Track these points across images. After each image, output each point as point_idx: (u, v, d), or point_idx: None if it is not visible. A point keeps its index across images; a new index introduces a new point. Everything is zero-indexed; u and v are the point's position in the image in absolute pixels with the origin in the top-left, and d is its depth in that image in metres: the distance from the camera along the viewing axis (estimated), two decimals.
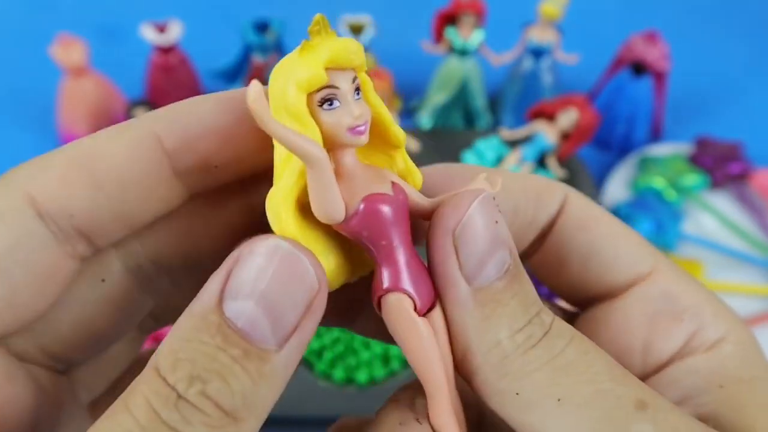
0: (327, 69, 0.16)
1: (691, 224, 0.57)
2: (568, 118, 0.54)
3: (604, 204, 0.58)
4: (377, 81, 0.53)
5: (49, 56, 0.56)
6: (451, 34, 0.59)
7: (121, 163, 0.17)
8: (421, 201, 0.17)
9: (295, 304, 0.15)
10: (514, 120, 0.66)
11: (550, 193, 0.19)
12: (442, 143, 0.60)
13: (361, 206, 0.16)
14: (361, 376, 0.43)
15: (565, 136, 0.56)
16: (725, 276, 0.53)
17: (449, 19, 0.59)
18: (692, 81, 0.74)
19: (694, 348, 0.17)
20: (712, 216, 0.58)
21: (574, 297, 0.20)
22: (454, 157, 0.59)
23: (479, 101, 0.63)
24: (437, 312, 0.17)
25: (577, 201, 0.19)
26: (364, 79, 0.17)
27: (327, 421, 0.43)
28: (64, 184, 0.16)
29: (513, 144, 0.59)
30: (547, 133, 0.56)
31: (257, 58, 0.58)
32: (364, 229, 0.16)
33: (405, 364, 0.45)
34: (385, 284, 0.16)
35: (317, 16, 0.16)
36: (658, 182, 0.58)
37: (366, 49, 0.61)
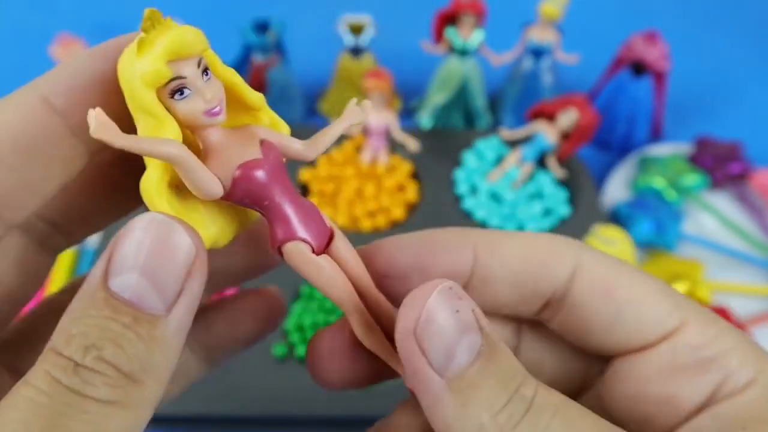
0: (170, 61, 0.16)
1: (691, 224, 0.57)
2: (568, 118, 0.54)
3: (605, 204, 0.58)
4: (378, 81, 0.53)
5: (49, 56, 0.56)
6: (451, 34, 0.59)
7: (14, 132, 0.17)
8: (292, 144, 0.18)
9: (176, 270, 0.16)
10: (514, 120, 0.66)
11: (558, 259, 0.18)
12: (442, 143, 0.60)
13: (237, 176, 0.17)
14: None
15: (566, 136, 0.56)
16: (725, 276, 0.53)
17: (449, 19, 0.59)
18: (692, 81, 0.74)
19: (722, 396, 0.17)
20: (712, 216, 0.58)
21: (598, 353, 0.19)
22: (454, 157, 0.59)
23: (479, 101, 0.63)
24: (338, 242, 0.18)
25: (592, 265, 0.18)
26: (210, 56, 0.17)
27: (328, 421, 0.43)
28: None
29: (513, 144, 0.59)
30: (547, 133, 0.56)
31: (258, 58, 0.58)
32: (245, 196, 0.17)
33: None
34: (279, 236, 0.18)
35: (147, 11, 0.16)
36: (658, 182, 0.58)
37: (366, 49, 0.61)
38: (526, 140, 0.58)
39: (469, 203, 0.55)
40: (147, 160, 0.17)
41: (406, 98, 0.69)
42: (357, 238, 0.53)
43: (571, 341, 0.19)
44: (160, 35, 0.16)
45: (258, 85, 0.59)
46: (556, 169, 0.57)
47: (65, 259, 0.51)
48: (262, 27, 0.57)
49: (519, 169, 0.57)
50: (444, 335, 0.16)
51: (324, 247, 0.18)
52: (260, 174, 0.17)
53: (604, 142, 0.66)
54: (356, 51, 0.61)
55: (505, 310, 0.19)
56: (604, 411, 0.18)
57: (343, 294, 0.18)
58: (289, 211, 0.18)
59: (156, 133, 0.16)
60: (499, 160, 0.59)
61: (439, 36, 0.60)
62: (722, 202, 0.59)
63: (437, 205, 0.55)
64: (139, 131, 0.17)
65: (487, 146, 0.59)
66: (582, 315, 0.18)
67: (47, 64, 0.57)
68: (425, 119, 0.64)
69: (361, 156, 0.57)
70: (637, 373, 0.18)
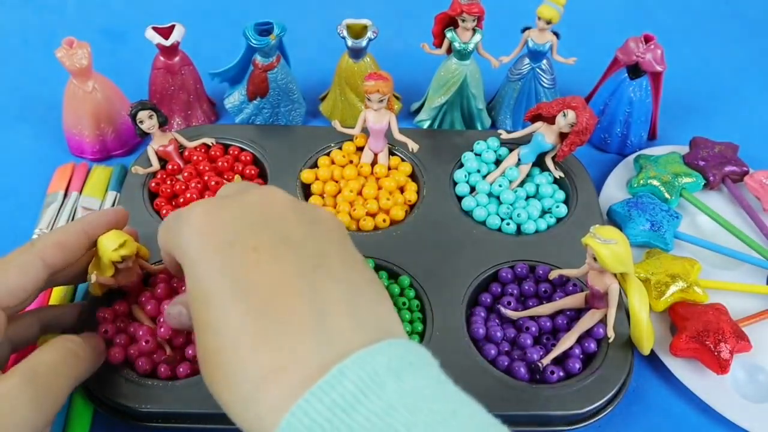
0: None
1: (687, 224, 0.58)
2: (566, 119, 0.55)
3: (602, 204, 0.58)
4: (378, 82, 0.54)
5: (56, 59, 0.57)
6: (450, 36, 0.60)
7: (16, 283, 0.37)
8: None
9: None
10: (513, 121, 0.66)
11: None
12: (441, 144, 0.61)
13: None
14: None
15: (563, 138, 0.57)
16: (721, 275, 0.54)
17: (449, 21, 0.60)
18: (688, 84, 0.75)
19: None
20: (708, 216, 0.59)
21: None
22: (454, 157, 0.60)
23: (478, 103, 0.64)
24: None
25: None
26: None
27: None
28: None
29: (512, 145, 0.60)
30: (545, 135, 0.57)
31: (260, 61, 0.59)
32: None
33: None
34: None
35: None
36: (654, 182, 0.59)
37: (366, 51, 0.62)
38: (524, 141, 0.58)
39: (468, 203, 0.56)
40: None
41: (406, 99, 0.69)
42: (357, 238, 0.53)
43: None
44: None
45: (260, 87, 0.60)
46: (554, 170, 0.58)
47: None
48: (264, 30, 0.58)
49: (517, 170, 0.58)
50: None
51: None
52: None
53: (602, 143, 0.67)
54: (357, 53, 0.62)
55: None
56: None
57: None
58: None
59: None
60: (498, 161, 0.59)
61: (438, 38, 0.61)
62: (717, 202, 0.60)
63: (437, 205, 0.56)
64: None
65: (486, 147, 0.60)
66: None
67: (54, 68, 0.59)
68: (425, 120, 0.65)
69: (361, 156, 0.58)
70: None
